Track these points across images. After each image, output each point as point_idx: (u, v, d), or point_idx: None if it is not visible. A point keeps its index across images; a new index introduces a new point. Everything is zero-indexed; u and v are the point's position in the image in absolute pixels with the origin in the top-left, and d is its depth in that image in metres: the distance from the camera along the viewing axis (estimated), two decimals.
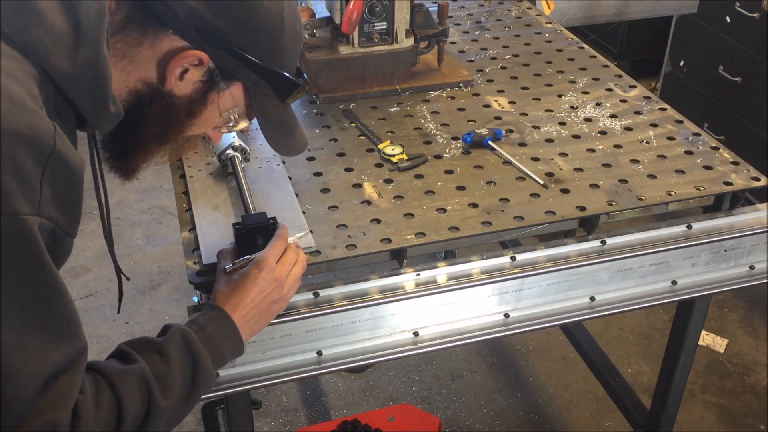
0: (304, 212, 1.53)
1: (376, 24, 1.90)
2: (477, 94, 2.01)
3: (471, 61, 2.19)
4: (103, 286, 3.18)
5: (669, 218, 1.64)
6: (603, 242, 1.56)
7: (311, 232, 1.47)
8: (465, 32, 2.38)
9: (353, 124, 1.86)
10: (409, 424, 2.24)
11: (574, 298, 1.57)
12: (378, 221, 1.52)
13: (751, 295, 3.16)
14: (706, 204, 1.68)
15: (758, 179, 1.66)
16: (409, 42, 1.96)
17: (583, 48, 2.28)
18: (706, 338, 2.95)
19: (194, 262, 1.42)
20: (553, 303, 1.56)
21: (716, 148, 1.78)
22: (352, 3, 1.81)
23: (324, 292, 1.41)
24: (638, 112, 1.92)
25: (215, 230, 1.48)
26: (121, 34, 1.05)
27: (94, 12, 0.98)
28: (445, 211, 1.55)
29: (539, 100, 1.98)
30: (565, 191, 1.61)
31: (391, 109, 1.93)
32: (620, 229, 1.58)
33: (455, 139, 1.79)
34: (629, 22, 4.21)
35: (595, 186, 1.63)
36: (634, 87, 2.05)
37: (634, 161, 1.72)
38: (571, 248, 1.54)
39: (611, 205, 1.58)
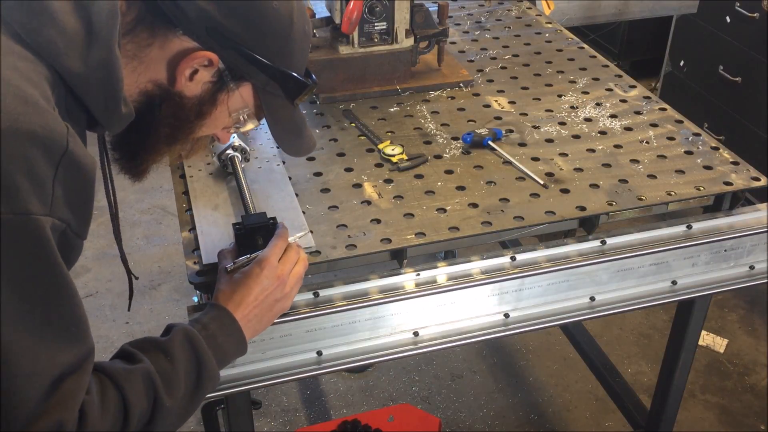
0: (304, 212, 1.53)
1: (376, 24, 1.90)
2: (477, 94, 2.01)
3: (471, 61, 2.19)
4: (103, 286, 3.18)
5: (669, 218, 1.64)
6: (603, 242, 1.56)
7: (311, 232, 1.47)
8: (465, 32, 2.38)
9: (353, 124, 1.86)
10: (409, 424, 2.24)
11: (574, 298, 1.57)
12: (378, 221, 1.52)
13: (751, 295, 3.16)
14: (706, 204, 1.68)
15: (758, 179, 1.66)
16: (409, 42, 1.96)
17: (583, 48, 2.28)
18: (706, 338, 2.95)
19: (194, 262, 1.42)
20: (553, 303, 1.56)
21: (716, 148, 1.78)
22: (352, 3, 1.81)
23: (324, 292, 1.41)
24: (638, 112, 1.92)
25: (215, 230, 1.48)
26: (131, 35, 1.05)
27: (106, 12, 0.98)
28: (445, 211, 1.55)
29: (539, 100, 1.98)
30: (565, 191, 1.61)
31: (391, 109, 1.93)
32: (620, 229, 1.58)
33: (455, 139, 1.79)
34: (629, 22, 4.21)
35: (595, 186, 1.63)
36: (634, 87, 2.05)
37: (634, 161, 1.72)
38: (571, 248, 1.54)
39: (611, 205, 1.58)
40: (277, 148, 1.74)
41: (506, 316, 1.53)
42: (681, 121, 1.89)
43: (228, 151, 1.61)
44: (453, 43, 2.28)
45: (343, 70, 1.94)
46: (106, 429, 1.00)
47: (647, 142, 1.79)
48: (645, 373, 2.81)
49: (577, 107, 1.94)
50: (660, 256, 1.58)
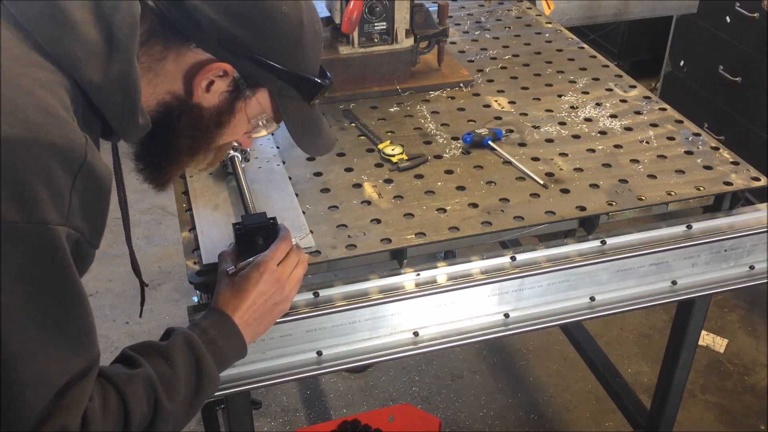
0: (304, 212, 1.53)
1: (376, 24, 1.90)
2: (477, 94, 2.01)
3: (471, 61, 2.19)
4: (103, 286, 3.18)
5: (669, 218, 1.64)
6: (603, 242, 1.56)
7: (311, 232, 1.47)
8: (465, 32, 2.38)
9: (353, 124, 1.86)
10: (409, 424, 2.24)
11: (574, 298, 1.57)
12: (378, 221, 1.52)
13: (751, 295, 3.16)
14: (706, 204, 1.68)
15: (758, 179, 1.66)
16: (409, 42, 1.96)
17: (583, 48, 2.28)
18: (706, 338, 2.95)
19: (194, 262, 1.42)
20: (553, 303, 1.56)
21: (716, 148, 1.78)
22: (352, 3, 1.81)
23: (324, 292, 1.41)
24: (638, 112, 1.92)
25: (215, 230, 1.48)
26: (145, 47, 1.06)
27: (127, 24, 0.99)
28: (445, 211, 1.55)
29: (539, 100, 1.98)
30: (565, 191, 1.61)
31: (391, 109, 1.93)
32: (620, 229, 1.58)
33: (455, 139, 1.79)
34: (629, 22, 4.21)
35: (595, 186, 1.63)
36: (634, 87, 2.05)
37: (634, 161, 1.72)
38: (571, 248, 1.54)
39: (611, 205, 1.58)
40: (278, 147, 1.74)
41: (506, 316, 1.53)
42: (681, 121, 1.89)
43: (228, 151, 1.60)
44: (453, 43, 2.28)
45: (343, 70, 1.94)
46: None
47: (647, 142, 1.79)
48: (645, 373, 2.81)
49: (577, 107, 1.94)
50: (660, 256, 1.58)
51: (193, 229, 1.50)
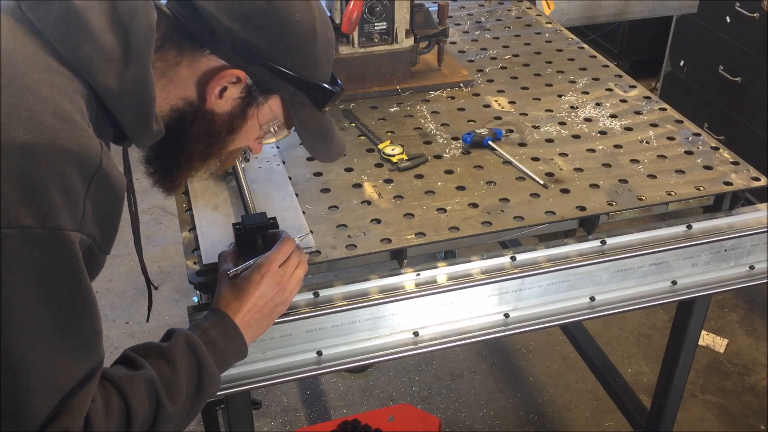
0: (304, 212, 1.53)
1: (376, 24, 1.90)
2: (477, 94, 2.01)
3: (471, 61, 2.19)
4: (103, 286, 3.18)
5: (669, 218, 1.64)
6: (603, 242, 1.56)
7: (311, 232, 1.47)
8: (465, 32, 2.38)
9: (353, 124, 1.86)
10: (409, 424, 2.24)
11: (574, 298, 1.57)
12: (378, 221, 1.52)
13: (751, 295, 3.16)
14: (706, 204, 1.68)
15: (758, 179, 1.66)
16: (409, 42, 1.96)
17: (583, 48, 2.28)
18: (706, 338, 2.95)
19: (194, 262, 1.42)
20: (553, 303, 1.56)
21: (716, 148, 1.78)
22: (352, 3, 1.81)
23: (324, 292, 1.41)
24: (638, 112, 1.92)
25: (215, 230, 1.48)
26: (159, 53, 1.07)
27: (144, 31, 1.00)
28: (445, 211, 1.55)
29: (539, 100, 1.98)
30: (565, 191, 1.61)
31: (391, 109, 1.93)
32: (620, 229, 1.58)
33: (455, 139, 1.79)
34: (629, 22, 4.21)
35: (595, 186, 1.63)
36: (634, 87, 2.05)
37: (634, 161, 1.72)
38: (571, 248, 1.54)
39: (611, 205, 1.58)
40: (277, 147, 1.74)
41: (506, 316, 1.53)
42: (681, 121, 1.89)
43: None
44: (453, 43, 2.28)
45: (343, 70, 1.94)
46: None
47: (647, 142, 1.79)
48: (645, 373, 2.81)
49: (577, 107, 1.94)
50: (660, 256, 1.58)
51: (193, 229, 1.50)
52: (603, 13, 3.05)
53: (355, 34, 1.90)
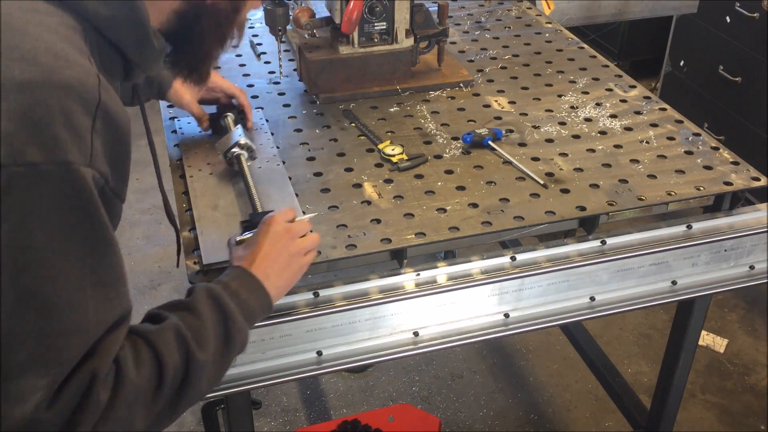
0: (304, 212, 1.53)
1: (376, 24, 1.90)
2: (477, 94, 2.01)
3: (471, 61, 2.19)
4: None
5: (669, 218, 1.64)
6: (603, 242, 1.56)
7: (311, 232, 1.47)
8: (465, 32, 2.38)
9: (353, 124, 1.86)
10: (409, 424, 2.24)
11: (574, 298, 1.57)
12: (378, 221, 1.52)
13: (751, 295, 3.16)
14: (706, 204, 1.68)
15: (758, 179, 1.66)
16: (409, 42, 1.96)
17: (583, 48, 2.28)
18: (706, 338, 2.95)
19: (194, 262, 1.43)
20: (553, 303, 1.56)
21: (716, 148, 1.78)
22: (352, 3, 1.81)
23: (324, 292, 1.41)
24: (638, 112, 1.92)
25: (215, 230, 1.48)
26: None
27: None
28: (445, 211, 1.55)
29: (539, 100, 1.98)
30: (565, 191, 1.61)
31: (391, 109, 1.93)
32: (620, 229, 1.58)
33: (455, 139, 1.79)
34: (629, 22, 4.21)
35: (595, 186, 1.63)
36: (634, 87, 2.05)
37: (634, 161, 1.72)
38: (571, 248, 1.54)
39: (611, 205, 1.58)
40: (278, 147, 1.74)
41: (506, 316, 1.53)
42: (681, 121, 1.89)
43: (234, 149, 1.60)
44: (453, 43, 2.28)
45: (343, 70, 1.94)
46: (143, 384, 0.99)
47: (647, 142, 1.79)
48: (645, 373, 2.81)
49: (577, 107, 1.95)
50: (660, 256, 1.58)
51: (193, 229, 1.51)
52: (603, 13, 3.06)
53: (355, 34, 1.90)
